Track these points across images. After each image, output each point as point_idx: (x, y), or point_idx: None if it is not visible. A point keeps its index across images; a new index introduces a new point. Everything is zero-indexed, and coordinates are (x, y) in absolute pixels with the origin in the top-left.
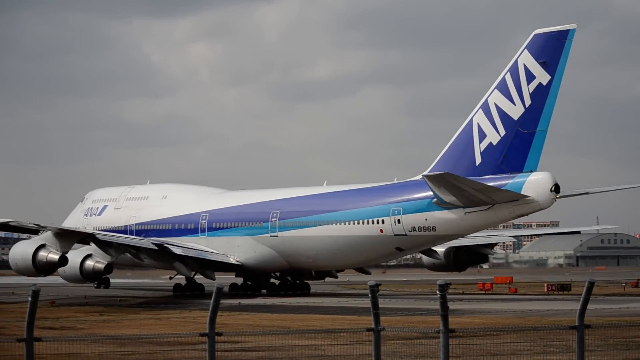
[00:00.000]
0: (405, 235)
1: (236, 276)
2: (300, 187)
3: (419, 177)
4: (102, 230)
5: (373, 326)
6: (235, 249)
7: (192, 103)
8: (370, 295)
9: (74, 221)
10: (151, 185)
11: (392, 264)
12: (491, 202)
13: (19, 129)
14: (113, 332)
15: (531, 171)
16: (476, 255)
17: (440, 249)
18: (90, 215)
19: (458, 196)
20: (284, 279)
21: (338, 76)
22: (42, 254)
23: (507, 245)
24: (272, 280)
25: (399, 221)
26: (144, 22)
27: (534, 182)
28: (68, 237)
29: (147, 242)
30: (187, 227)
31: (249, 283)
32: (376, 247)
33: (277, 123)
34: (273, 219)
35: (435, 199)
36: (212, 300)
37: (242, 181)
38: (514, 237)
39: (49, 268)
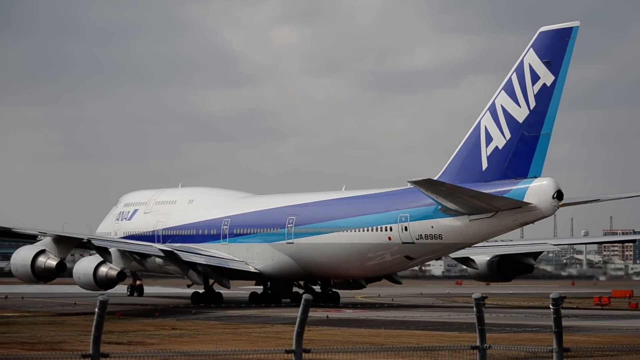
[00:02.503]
0: (413, 243)
1: (256, 284)
2: (319, 192)
3: None
4: (131, 236)
5: (478, 344)
6: (255, 256)
7: (275, 94)
8: (475, 309)
9: (106, 226)
10: (181, 188)
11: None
12: (493, 210)
13: (85, 122)
14: (187, 348)
15: (535, 177)
16: (519, 265)
17: (484, 257)
18: (121, 220)
19: (456, 203)
20: (308, 287)
21: (439, 64)
22: (41, 259)
23: (626, 255)
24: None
25: (406, 228)
26: (223, 3)
27: (536, 189)
28: (66, 243)
29: (154, 249)
30: (210, 232)
31: (270, 292)
32: (385, 255)
33: (371, 117)
34: (289, 225)
35: (440, 206)
36: (299, 313)
37: (330, 182)
38: (557, 245)
39: (47, 275)
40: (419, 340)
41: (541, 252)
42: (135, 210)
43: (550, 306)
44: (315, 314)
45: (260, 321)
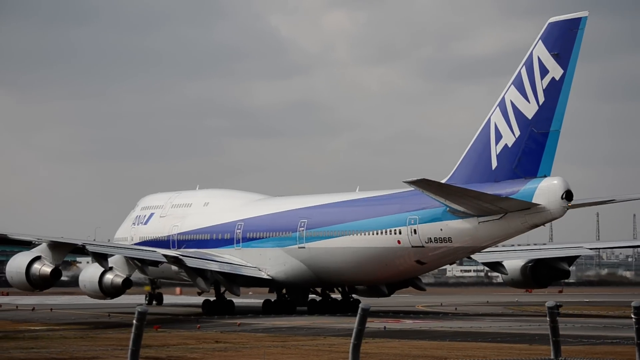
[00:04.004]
0: (423, 246)
1: (269, 292)
2: (332, 193)
3: (443, 180)
4: (146, 241)
5: (552, 357)
6: (267, 261)
7: (327, 85)
8: (548, 318)
9: (123, 231)
10: (198, 191)
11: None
12: (501, 211)
13: (121, 118)
14: None
15: (545, 176)
16: (554, 271)
17: (517, 262)
18: (138, 224)
19: (460, 204)
20: (326, 294)
21: (506, 50)
22: (36, 266)
23: None
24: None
25: (415, 231)
26: None
27: (545, 189)
28: (60, 249)
29: (157, 255)
30: (223, 237)
31: (283, 299)
32: (395, 259)
33: (432, 109)
34: (301, 229)
35: (448, 208)
36: (355, 324)
37: (388, 179)
38: (593, 249)
39: (42, 282)
40: (486, 353)
41: (577, 257)
42: (152, 214)
43: (632, 315)
44: (372, 324)
45: (312, 333)
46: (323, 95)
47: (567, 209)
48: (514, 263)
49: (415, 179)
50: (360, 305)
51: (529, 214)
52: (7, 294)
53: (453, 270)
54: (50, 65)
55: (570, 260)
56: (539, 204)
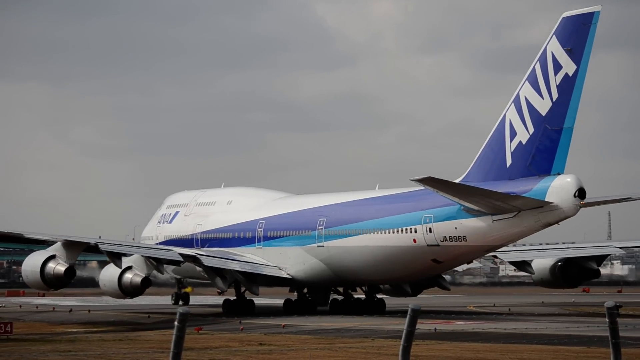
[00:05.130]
0: (438, 245)
1: (290, 291)
2: (351, 191)
3: (459, 179)
4: (171, 240)
5: None
6: (287, 260)
7: (375, 76)
8: (608, 319)
9: (150, 229)
10: (223, 189)
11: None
12: (514, 209)
13: (158, 111)
14: None
15: (558, 174)
16: (583, 270)
17: (545, 261)
18: (163, 223)
19: (472, 202)
20: (348, 294)
21: None
22: (51, 265)
23: None
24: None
25: (430, 230)
26: None
27: (557, 187)
28: (74, 247)
29: (173, 254)
30: (245, 236)
31: (304, 299)
32: (411, 258)
33: (484, 100)
34: (319, 227)
35: (463, 206)
36: (405, 326)
37: (438, 174)
38: (623, 248)
39: (57, 281)
40: (542, 356)
41: (606, 256)
42: (177, 213)
43: None
44: (422, 326)
45: (359, 335)
46: (370, 86)
47: (580, 207)
48: (542, 262)
49: (421, 177)
50: (410, 305)
51: (542, 212)
52: (44, 295)
53: (506, 270)
54: (86, 58)
55: (599, 259)
56: (551, 202)
